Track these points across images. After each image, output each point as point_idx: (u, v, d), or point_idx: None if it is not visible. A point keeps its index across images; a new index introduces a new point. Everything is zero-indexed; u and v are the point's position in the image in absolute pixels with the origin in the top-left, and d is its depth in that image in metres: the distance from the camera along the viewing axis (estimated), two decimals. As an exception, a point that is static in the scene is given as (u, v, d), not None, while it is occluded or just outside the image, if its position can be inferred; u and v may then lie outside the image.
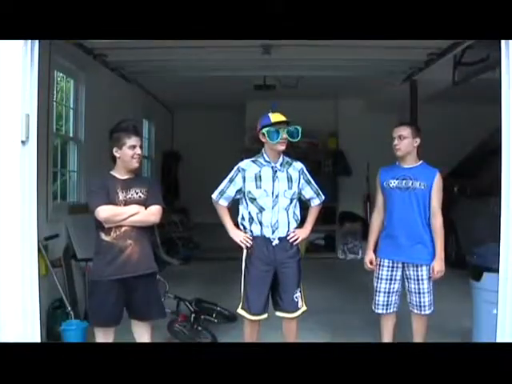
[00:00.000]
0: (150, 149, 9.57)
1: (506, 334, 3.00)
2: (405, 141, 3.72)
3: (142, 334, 3.54)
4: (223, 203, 3.70)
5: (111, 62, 5.62)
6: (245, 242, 3.62)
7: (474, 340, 3.93)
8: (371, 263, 3.83)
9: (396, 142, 3.75)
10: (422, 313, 3.72)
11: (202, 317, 4.59)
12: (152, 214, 3.44)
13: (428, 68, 5.65)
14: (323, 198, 3.83)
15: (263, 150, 3.68)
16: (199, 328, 4.46)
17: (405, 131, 3.74)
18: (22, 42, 3.01)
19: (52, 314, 4.43)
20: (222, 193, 3.68)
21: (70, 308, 4.40)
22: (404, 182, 3.72)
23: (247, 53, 5.08)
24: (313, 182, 3.77)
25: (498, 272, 3.09)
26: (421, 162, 3.81)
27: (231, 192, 3.67)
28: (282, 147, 3.59)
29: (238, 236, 3.66)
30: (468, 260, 4.22)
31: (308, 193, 3.75)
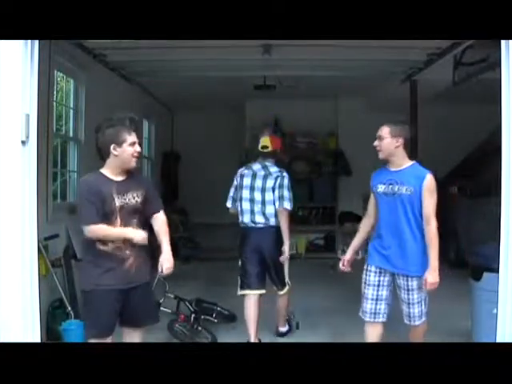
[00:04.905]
0: (149, 149, 9.56)
1: (506, 334, 3.00)
2: (384, 141, 3.46)
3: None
4: None
5: (111, 61, 5.62)
6: None
7: (474, 340, 3.93)
8: (343, 264, 3.71)
9: (376, 142, 3.51)
10: (412, 323, 3.53)
11: (202, 317, 4.59)
12: (165, 222, 3.27)
13: (428, 68, 5.65)
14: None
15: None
16: (199, 328, 4.46)
17: (382, 131, 3.49)
18: (22, 41, 3.01)
19: (52, 314, 4.43)
20: None
21: (69, 308, 4.41)
22: (390, 187, 3.46)
23: (247, 53, 5.09)
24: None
25: (498, 272, 3.09)
26: (412, 163, 3.52)
27: None
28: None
29: None
30: (468, 260, 4.21)
31: None
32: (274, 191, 4.31)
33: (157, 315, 3.46)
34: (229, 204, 4.53)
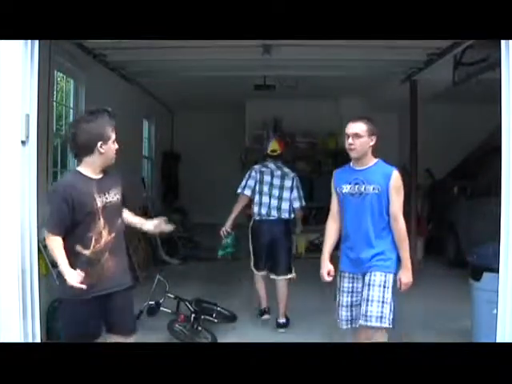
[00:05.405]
0: (150, 149, 9.56)
1: (506, 334, 3.00)
2: (361, 140, 3.27)
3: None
4: None
5: (111, 62, 5.62)
6: None
7: (474, 340, 3.93)
8: (328, 274, 3.44)
9: (350, 141, 3.28)
10: (368, 323, 3.23)
11: (202, 317, 4.59)
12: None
13: (428, 68, 5.65)
14: None
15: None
16: (199, 328, 4.46)
17: (360, 129, 3.28)
18: (22, 42, 3.01)
19: (52, 314, 4.43)
20: None
21: (69, 308, 4.39)
22: (356, 186, 3.31)
23: (247, 53, 5.09)
24: None
25: (498, 272, 3.09)
26: (376, 160, 3.37)
27: None
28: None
29: None
30: (468, 260, 4.21)
31: None
32: (291, 190, 4.99)
33: (135, 323, 3.25)
34: (248, 192, 4.96)
